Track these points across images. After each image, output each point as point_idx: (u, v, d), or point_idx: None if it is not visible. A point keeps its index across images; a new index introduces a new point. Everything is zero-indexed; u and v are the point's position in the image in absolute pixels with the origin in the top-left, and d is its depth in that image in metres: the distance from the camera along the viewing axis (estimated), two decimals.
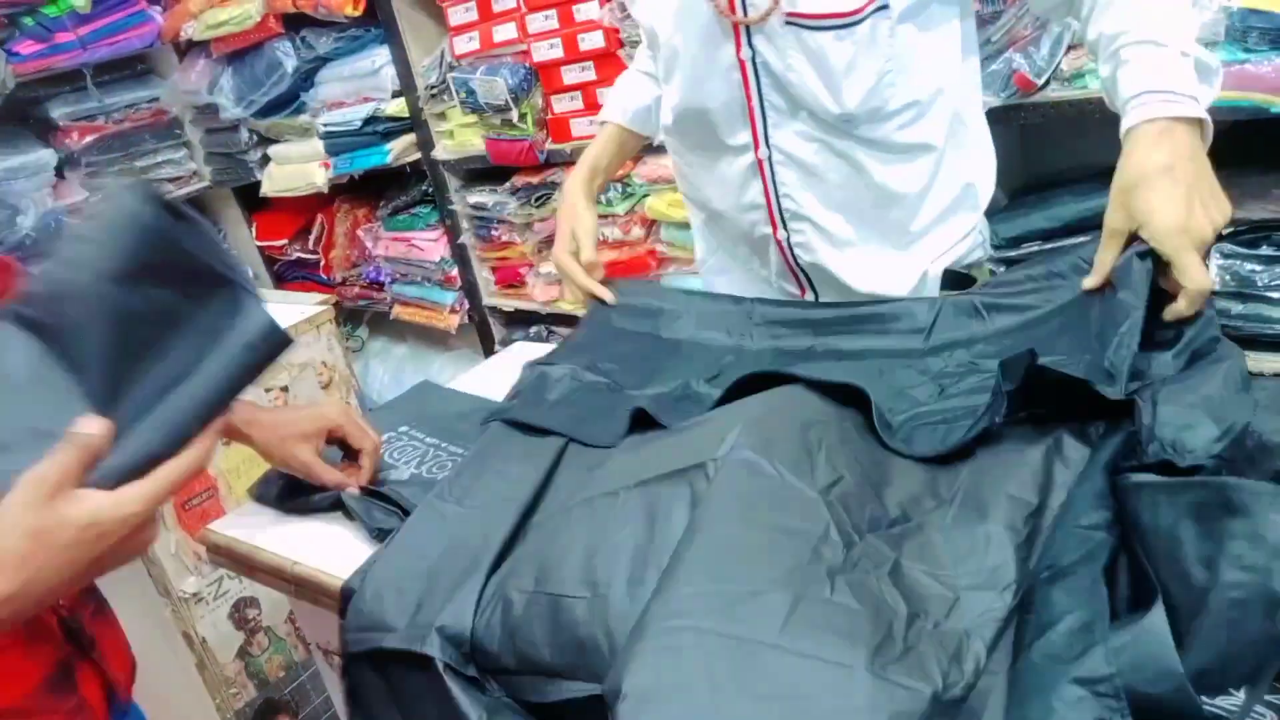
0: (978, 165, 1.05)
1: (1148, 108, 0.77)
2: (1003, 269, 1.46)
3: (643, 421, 0.86)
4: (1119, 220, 0.77)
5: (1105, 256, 0.79)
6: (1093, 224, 1.43)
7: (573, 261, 1.14)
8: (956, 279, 1.06)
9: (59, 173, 2.65)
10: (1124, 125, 0.79)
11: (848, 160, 0.98)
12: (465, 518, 0.80)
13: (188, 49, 2.73)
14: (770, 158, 1.01)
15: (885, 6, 0.89)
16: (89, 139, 2.69)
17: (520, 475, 0.82)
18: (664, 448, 0.78)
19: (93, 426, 0.57)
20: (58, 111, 2.66)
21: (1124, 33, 0.81)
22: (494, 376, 1.25)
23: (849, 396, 0.76)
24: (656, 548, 0.64)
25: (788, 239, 1.05)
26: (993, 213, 1.10)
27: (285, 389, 1.70)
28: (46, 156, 2.61)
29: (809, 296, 1.11)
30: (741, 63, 0.96)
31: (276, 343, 0.66)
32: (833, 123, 0.96)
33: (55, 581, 0.56)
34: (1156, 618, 0.48)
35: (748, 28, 0.93)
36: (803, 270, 1.08)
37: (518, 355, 1.39)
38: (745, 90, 0.98)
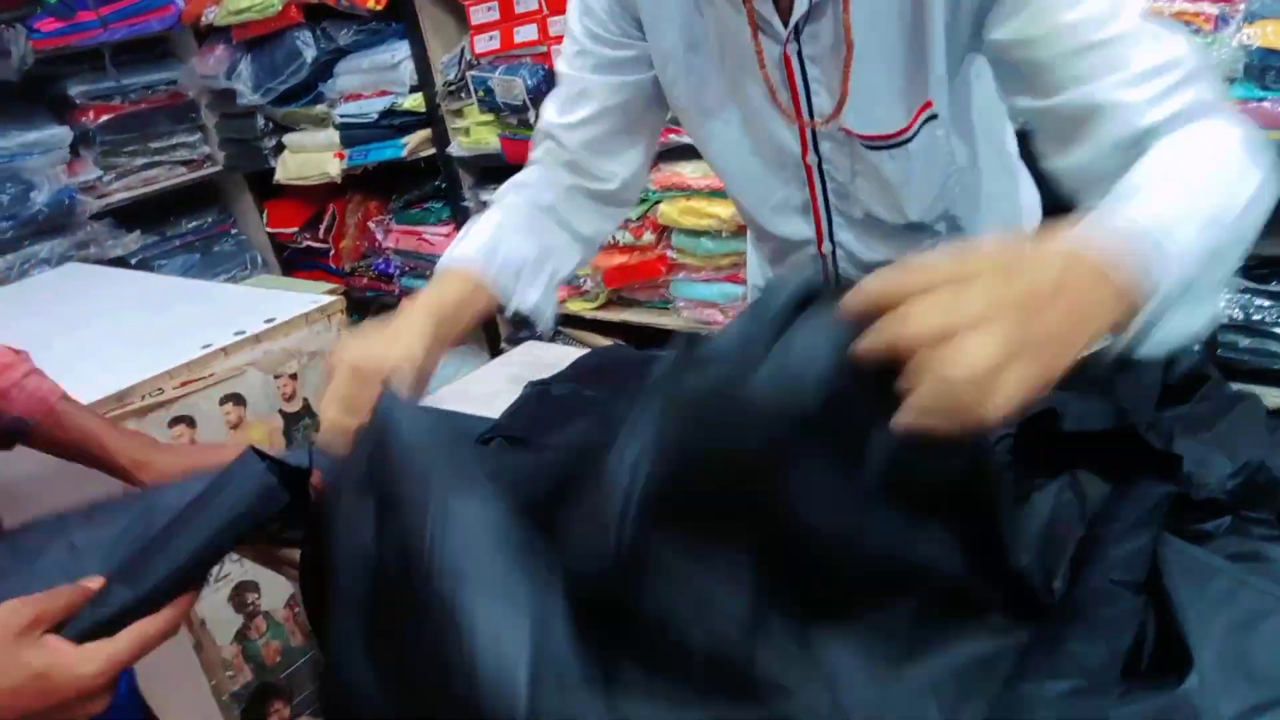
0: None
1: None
2: None
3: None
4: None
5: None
6: None
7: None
8: None
9: (73, 150, 2.66)
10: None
11: (910, 256, 0.97)
12: None
13: (208, 33, 2.74)
14: (834, 253, 0.99)
15: (935, 116, 0.86)
16: (104, 118, 2.71)
17: None
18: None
19: (94, 582, 0.56)
20: (75, 89, 2.67)
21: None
22: (498, 379, 1.26)
23: None
24: None
25: None
26: None
27: (294, 376, 1.70)
28: (61, 134, 2.62)
29: None
30: (808, 167, 0.94)
31: (272, 505, 0.61)
32: (897, 229, 0.94)
33: None
34: (1191, 687, 0.45)
35: (814, 132, 0.91)
36: None
37: (524, 357, 1.40)
38: (811, 191, 0.96)
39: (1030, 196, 1.05)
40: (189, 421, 1.54)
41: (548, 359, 1.34)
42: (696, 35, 0.92)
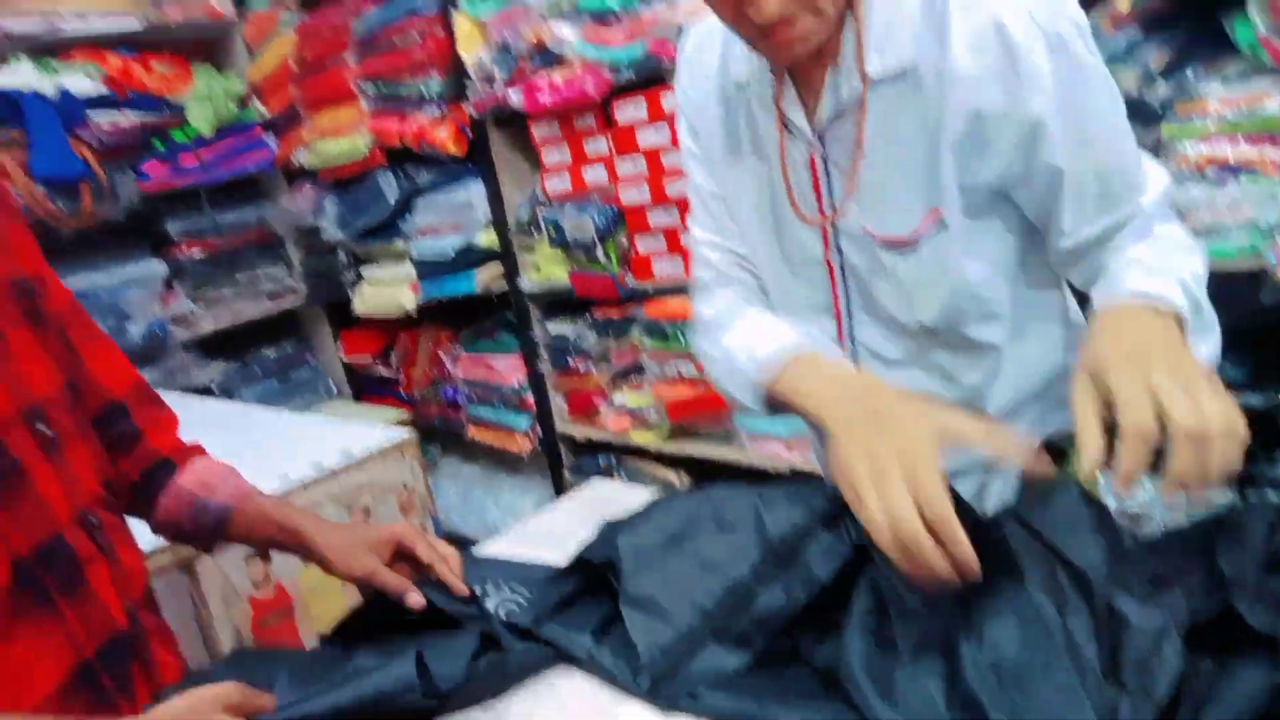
0: (1069, 352, 1.04)
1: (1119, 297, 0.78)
2: None
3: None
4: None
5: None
6: None
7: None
8: (1048, 452, 1.04)
9: (167, 284, 2.82)
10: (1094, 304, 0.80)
11: (929, 359, 0.99)
12: None
13: (297, 174, 2.93)
14: (855, 353, 1.01)
15: (946, 226, 0.89)
16: (198, 253, 2.87)
17: None
18: None
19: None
20: (173, 226, 2.84)
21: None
22: (566, 518, 1.25)
23: None
24: None
25: None
26: None
27: (366, 510, 1.73)
28: (157, 268, 2.78)
29: None
30: (829, 264, 0.98)
31: (409, 696, 0.77)
32: (914, 330, 0.97)
33: None
34: None
35: (836, 229, 0.96)
36: None
37: (591, 495, 1.39)
38: (832, 289, 0.99)
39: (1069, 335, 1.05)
40: (265, 556, 1.57)
41: (615, 496, 1.33)
42: (734, 135, 0.99)
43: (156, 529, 1.03)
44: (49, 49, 2.48)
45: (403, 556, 0.97)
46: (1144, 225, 0.88)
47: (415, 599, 0.91)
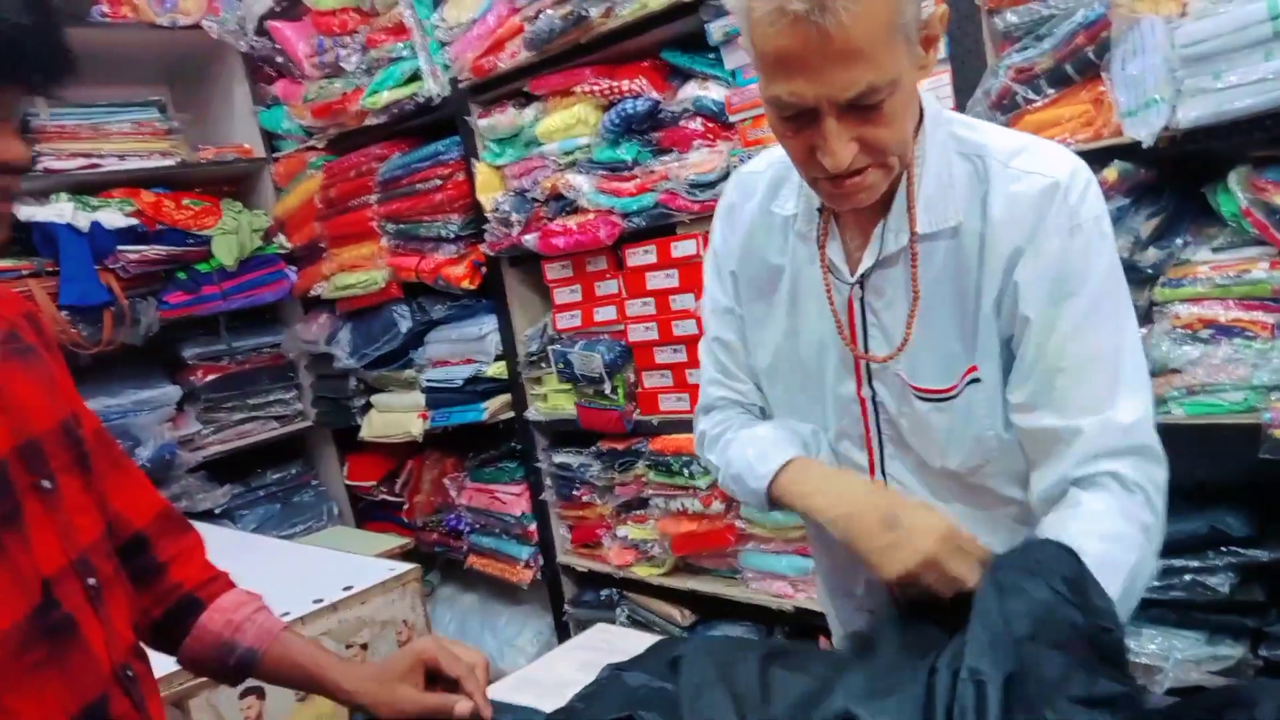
0: None
1: None
2: None
3: None
4: None
5: None
6: (1186, 544, 1.43)
7: None
8: None
9: (178, 406, 2.86)
10: None
11: (960, 498, 1.01)
12: None
13: (313, 303, 3.01)
14: (886, 485, 1.04)
15: (979, 380, 0.94)
16: (211, 377, 2.92)
17: None
18: None
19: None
20: (189, 351, 2.91)
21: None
22: (569, 665, 1.24)
23: None
24: None
25: None
26: None
27: (365, 646, 1.71)
28: (171, 392, 2.83)
29: None
30: (862, 399, 1.02)
31: None
32: (938, 473, 1.00)
33: None
34: None
35: (869, 368, 1.00)
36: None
37: (594, 640, 1.38)
38: (864, 423, 1.03)
39: None
40: (259, 693, 1.54)
41: (619, 643, 1.33)
42: (768, 272, 1.06)
43: (180, 664, 1.02)
44: (88, 186, 2.60)
45: (429, 674, 0.97)
46: (1088, 459, 0.88)
47: (464, 706, 0.93)
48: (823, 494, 0.98)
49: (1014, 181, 0.89)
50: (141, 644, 0.90)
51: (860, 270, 0.97)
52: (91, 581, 0.81)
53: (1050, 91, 1.46)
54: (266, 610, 1.03)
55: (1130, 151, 1.38)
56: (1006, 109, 1.50)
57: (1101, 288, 0.88)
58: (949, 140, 0.93)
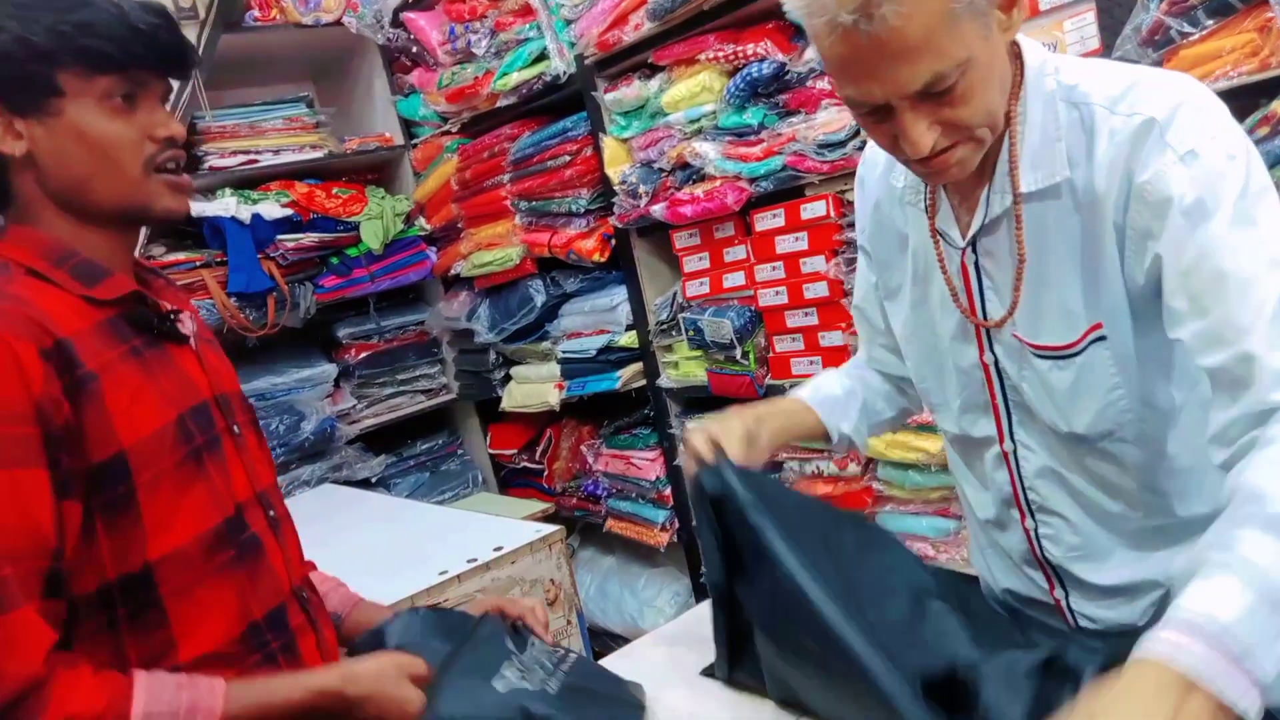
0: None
1: (1167, 645, 0.63)
2: None
3: None
4: None
5: None
6: None
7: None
8: None
9: (335, 383, 3.07)
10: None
11: (1092, 469, 0.98)
12: None
13: (453, 282, 3.15)
14: (1015, 452, 1.02)
15: (1104, 338, 0.90)
16: (363, 354, 3.12)
17: None
18: None
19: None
20: (343, 331, 3.11)
21: (1216, 543, 0.69)
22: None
23: None
24: None
25: (1035, 529, 1.05)
26: None
27: None
28: (329, 370, 3.03)
29: (1057, 592, 1.07)
30: (985, 365, 1.01)
31: None
32: (1066, 437, 0.97)
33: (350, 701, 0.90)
34: None
35: (989, 333, 0.99)
36: (1050, 565, 1.06)
37: None
38: (990, 390, 1.02)
39: None
40: None
41: None
42: (894, 238, 1.08)
43: None
44: (248, 181, 2.81)
45: None
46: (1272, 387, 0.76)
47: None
48: None
49: (1115, 125, 0.85)
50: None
51: (969, 235, 0.96)
52: (272, 514, 0.99)
53: (1209, 22, 1.37)
54: (347, 587, 1.18)
55: None
56: (1159, 45, 1.41)
57: (1239, 206, 0.79)
58: (1056, 90, 0.89)
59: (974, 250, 0.97)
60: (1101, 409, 0.93)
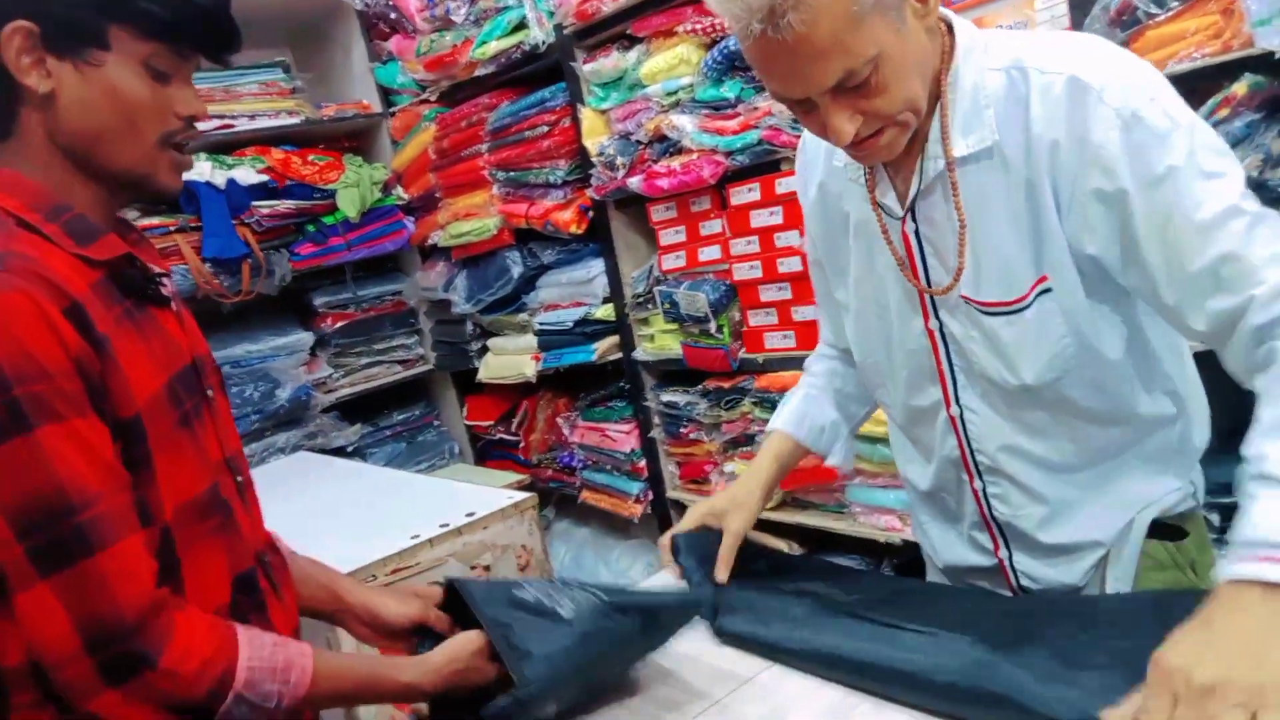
0: (1184, 414, 1.04)
1: (1246, 564, 0.71)
2: (1216, 517, 1.41)
3: None
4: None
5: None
6: None
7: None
8: (1166, 530, 1.04)
9: (311, 352, 3.06)
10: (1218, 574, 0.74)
11: (1035, 422, 1.02)
12: None
13: (430, 252, 3.15)
14: (961, 415, 1.06)
15: (1050, 289, 0.94)
16: (340, 324, 3.11)
17: None
18: None
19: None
20: (319, 300, 3.09)
21: (1264, 458, 0.76)
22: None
23: None
24: None
25: (984, 489, 1.08)
26: (1203, 457, 1.09)
27: (488, 568, 1.83)
28: (305, 338, 3.02)
29: (1002, 552, 1.11)
30: (930, 332, 1.04)
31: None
32: (1013, 390, 1.00)
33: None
34: None
35: (933, 300, 1.02)
36: (997, 524, 1.10)
37: None
38: (935, 355, 1.05)
39: (1186, 386, 1.05)
40: None
41: None
42: (835, 218, 1.11)
43: None
44: (224, 146, 2.78)
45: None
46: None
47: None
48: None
49: (1046, 83, 0.89)
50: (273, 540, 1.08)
51: (907, 203, 0.99)
52: (239, 479, 0.99)
53: (1174, 4, 1.39)
54: (290, 550, 1.17)
55: (1261, 63, 1.31)
56: (1126, 25, 1.44)
57: (1189, 159, 0.83)
58: (984, 60, 0.94)
59: (913, 219, 1.00)
60: (1050, 359, 0.97)
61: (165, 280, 0.95)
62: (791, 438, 1.26)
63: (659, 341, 2.48)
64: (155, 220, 2.64)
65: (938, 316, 1.03)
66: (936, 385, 1.07)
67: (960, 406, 1.05)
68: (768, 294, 2.16)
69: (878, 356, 1.13)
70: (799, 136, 1.92)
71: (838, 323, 1.23)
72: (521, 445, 3.08)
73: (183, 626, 0.81)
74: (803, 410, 1.27)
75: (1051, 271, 0.94)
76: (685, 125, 2.12)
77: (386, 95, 3.13)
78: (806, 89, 0.87)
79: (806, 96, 0.88)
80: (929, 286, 1.02)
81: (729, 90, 2.04)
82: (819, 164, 1.13)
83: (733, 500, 1.23)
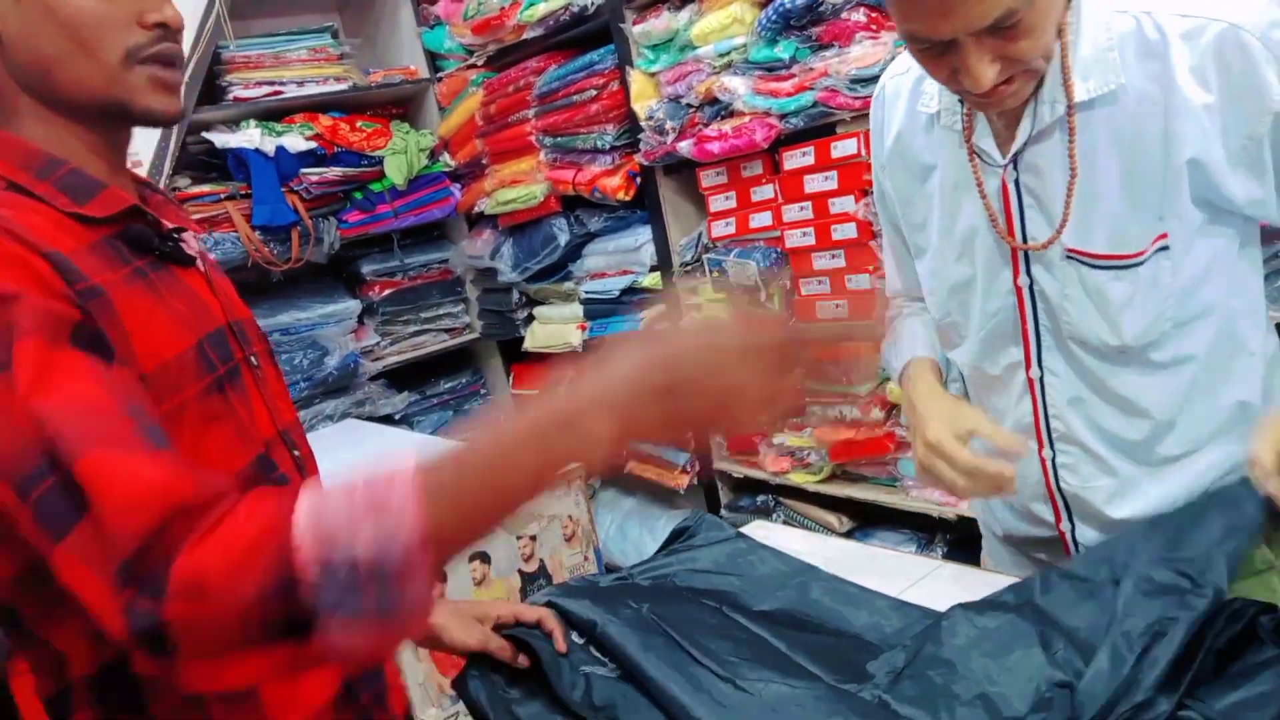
0: (1256, 387, 1.00)
1: None
2: None
3: None
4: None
5: None
6: None
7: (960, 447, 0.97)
8: None
9: (359, 320, 3.07)
10: None
11: (1120, 388, 0.98)
12: None
13: (477, 220, 3.13)
14: (1041, 378, 1.02)
15: (1167, 248, 0.90)
16: (387, 292, 3.11)
17: None
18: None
19: None
20: (366, 268, 3.10)
21: None
22: None
23: None
24: None
25: (1053, 458, 1.05)
26: None
27: (534, 538, 1.82)
28: (353, 306, 3.03)
29: (1064, 525, 1.07)
30: (1019, 289, 0.99)
31: None
32: (1106, 352, 0.96)
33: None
34: None
35: (1026, 255, 0.97)
36: (1062, 496, 1.06)
37: (754, 535, 1.41)
38: (1020, 314, 1.00)
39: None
40: (442, 577, 1.68)
41: (775, 539, 1.35)
42: (922, 170, 1.05)
43: None
44: (273, 112, 2.78)
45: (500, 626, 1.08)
46: None
47: (523, 660, 1.04)
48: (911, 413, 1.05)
49: (1189, 29, 0.84)
50: None
51: (1013, 149, 0.93)
52: (297, 453, 0.91)
53: None
54: None
55: None
56: None
57: None
58: (1105, 2, 0.89)
59: (1015, 168, 0.95)
60: (1155, 318, 0.93)
61: (186, 237, 0.87)
62: (937, 366, 1.12)
63: (707, 311, 2.43)
64: (205, 188, 2.66)
65: (1029, 273, 0.98)
66: (1018, 345, 1.02)
67: (1042, 369, 1.01)
68: (820, 262, 2.10)
69: (954, 316, 1.08)
70: (856, 99, 1.87)
71: (912, 275, 1.17)
72: None
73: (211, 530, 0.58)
74: (930, 340, 1.16)
75: (1172, 227, 0.90)
76: (737, 87, 2.06)
77: (434, 60, 3.11)
78: (960, 26, 0.79)
79: (954, 36, 0.81)
80: (1024, 240, 0.97)
81: (784, 50, 1.97)
82: (897, 113, 1.07)
83: (955, 404, 1.04)
